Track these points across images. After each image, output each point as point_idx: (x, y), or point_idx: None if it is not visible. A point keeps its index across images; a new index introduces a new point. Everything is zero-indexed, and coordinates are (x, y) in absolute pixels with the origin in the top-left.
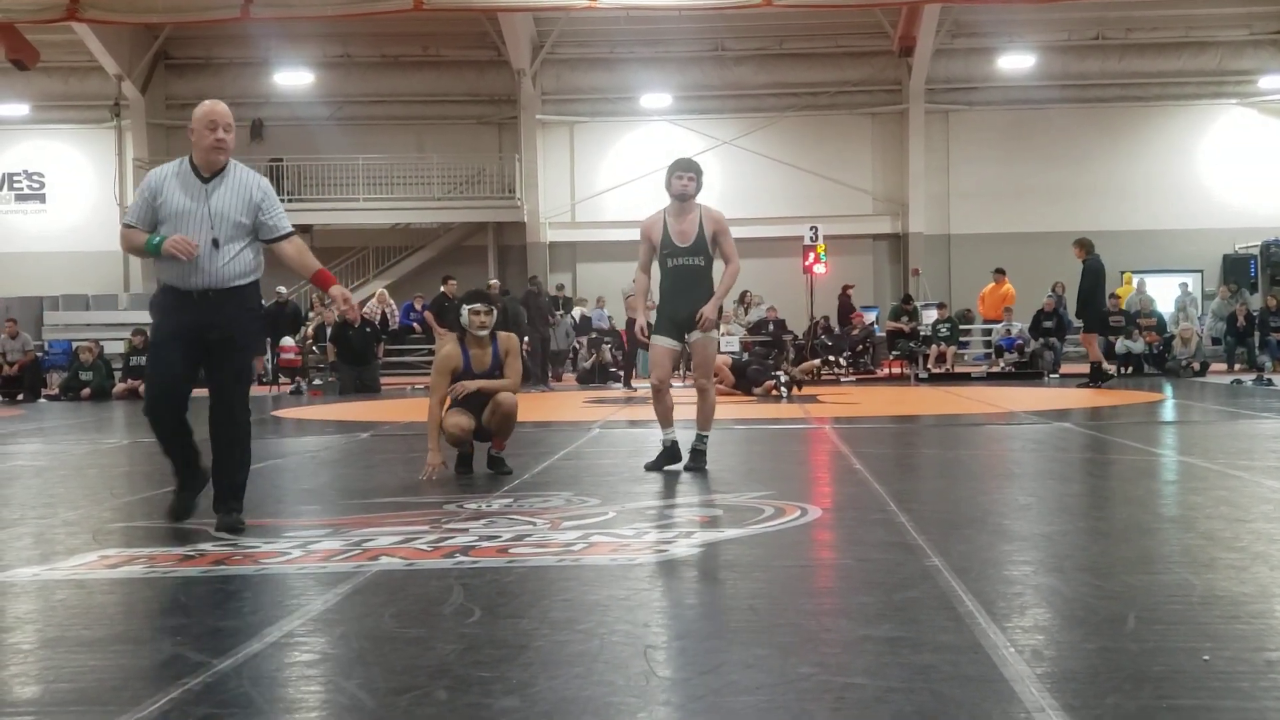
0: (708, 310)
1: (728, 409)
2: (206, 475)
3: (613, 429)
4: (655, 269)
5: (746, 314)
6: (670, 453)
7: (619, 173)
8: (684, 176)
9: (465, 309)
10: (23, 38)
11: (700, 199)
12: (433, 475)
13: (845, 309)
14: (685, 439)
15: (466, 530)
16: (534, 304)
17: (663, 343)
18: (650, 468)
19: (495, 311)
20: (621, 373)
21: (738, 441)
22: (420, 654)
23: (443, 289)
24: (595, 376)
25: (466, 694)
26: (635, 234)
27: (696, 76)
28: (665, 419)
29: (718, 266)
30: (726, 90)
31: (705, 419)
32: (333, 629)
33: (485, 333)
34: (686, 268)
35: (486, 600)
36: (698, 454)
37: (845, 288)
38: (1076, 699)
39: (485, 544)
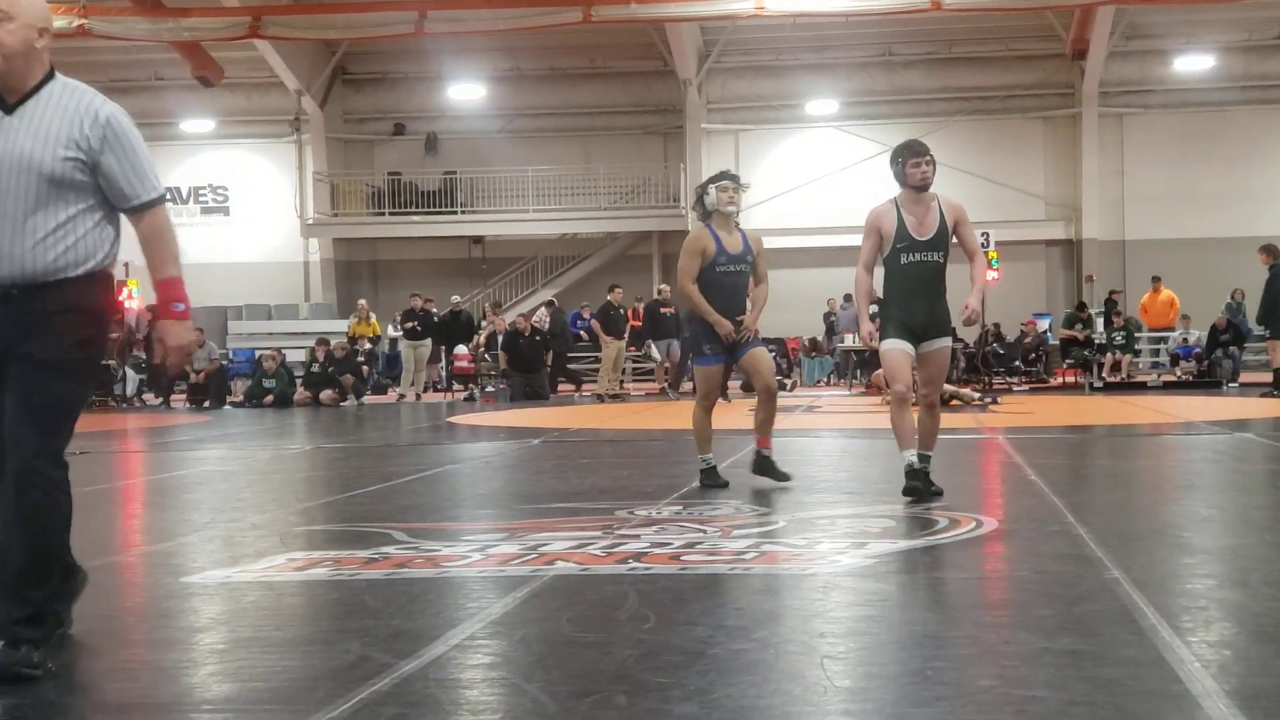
0: (972, 302)
1: None
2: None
3: (777, 437)
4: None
5: None
6: (917, 474)
7: (785, 179)
8: (920, 162)
9: (713, 187)
10: (208, 55)
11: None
12: (733, 335)
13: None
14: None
15: (638, 536)
16: (657, 313)
17: (900, 346)
18: (914, 495)
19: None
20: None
21: None
22: (599, 658)
23: (609, 298)
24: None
25: (645, 699)
26: (803, 241)
27: (864, 82)
28: (907, 437)
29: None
30: (894, 95)
31: (931, 437)
32: (512, 632)
33: (733, 209)
34: (925, 264)
35: (661, 607)
36: (923, 475)
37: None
38: (1267, 716)
39: (657, 550)
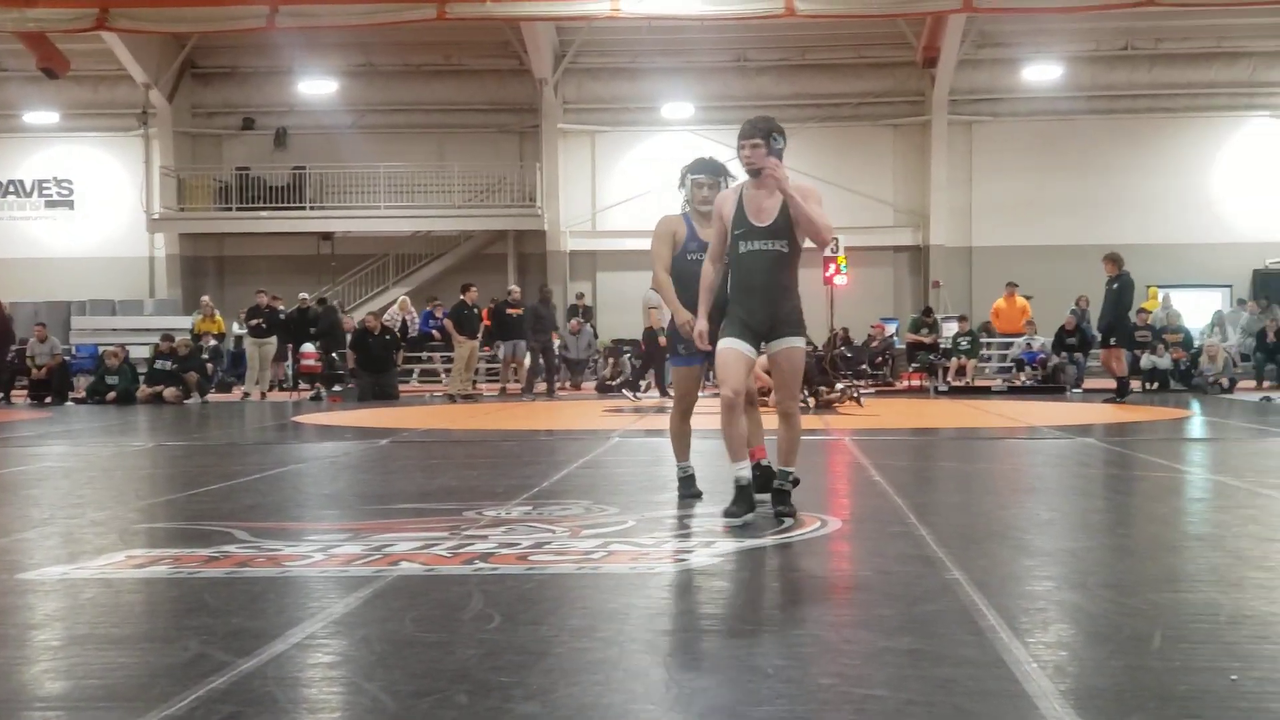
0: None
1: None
2: None
3: (632, 438)
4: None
5: None
6: (746, 493)
7: (640, 182)
8: (745, 145)
9: (689, 178)
10: (53, 47)
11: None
12: (694, 334)
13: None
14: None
15: (486, 537)
16: (542, 314)
17: (737, 346)
18: (733, 517)
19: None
20: (625, 383)
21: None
22: (441, 658)
23: (463, 297)
24: (615, 386)
25: (487, 699)
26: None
27: (718, 86)
28: (736, 448)
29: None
30: (748, 100)
31: (791, 451)
32: (354, 632)
33: (709, 209)
34: (763, 254)
35: (506, 607)
36: (783, 495)
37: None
38: (1101, 716)
39: (505, 551)
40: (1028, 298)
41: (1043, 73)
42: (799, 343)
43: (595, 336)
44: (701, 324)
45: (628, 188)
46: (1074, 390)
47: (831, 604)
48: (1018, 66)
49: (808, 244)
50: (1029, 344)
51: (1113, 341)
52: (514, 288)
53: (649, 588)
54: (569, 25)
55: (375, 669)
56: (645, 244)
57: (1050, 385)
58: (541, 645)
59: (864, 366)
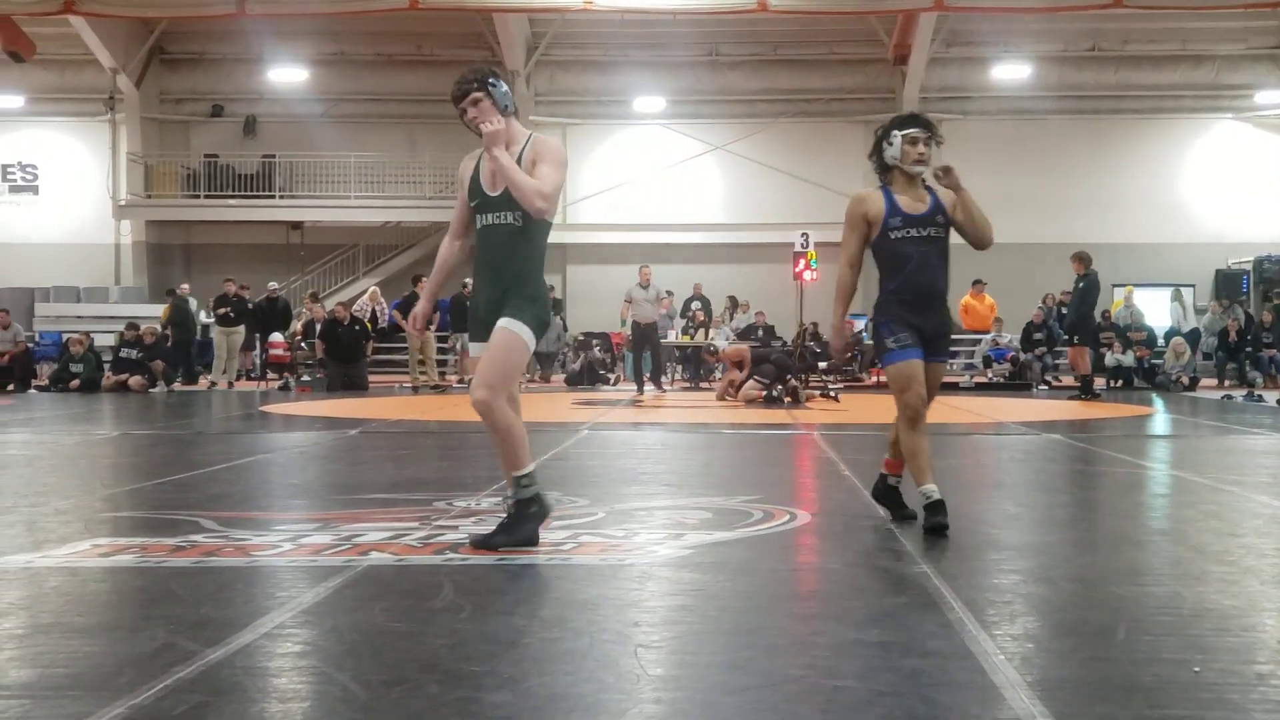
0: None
1: (721, 413)
2: None
3: (601, 430)
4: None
5: (731, 320)
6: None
7: (611, 175)
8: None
9: (897, 135)
10: (19, 30)
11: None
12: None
13: None
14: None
15: (456, 528)
16: (463, 304)
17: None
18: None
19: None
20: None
21: (726, 445)
22: (411, 648)
23: (414, 288)
24: (584, 378)
25: (457, 688)
26: (628, 237)
27: (690, 81)
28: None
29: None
30: (720, 95)
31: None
32: (323, 622)
33: (921, 170)
34: (497, 228)
35: (477, 597)
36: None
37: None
38: (1067, 707)
39: None
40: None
41: (1011, 72)
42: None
43: (565, 330)
44: (423, 306)
45: (598, 181)
46: (1040, 387)
47: (801, 596)
48: (987, 66)
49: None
50: (995, 340)
51: (1076, 340)
52: (468, 280)
53: (619, 579)
54: (542, 17)
55: (345, 659)
56: (616, 237)
57: (1017, 382)
58: (512, 635)
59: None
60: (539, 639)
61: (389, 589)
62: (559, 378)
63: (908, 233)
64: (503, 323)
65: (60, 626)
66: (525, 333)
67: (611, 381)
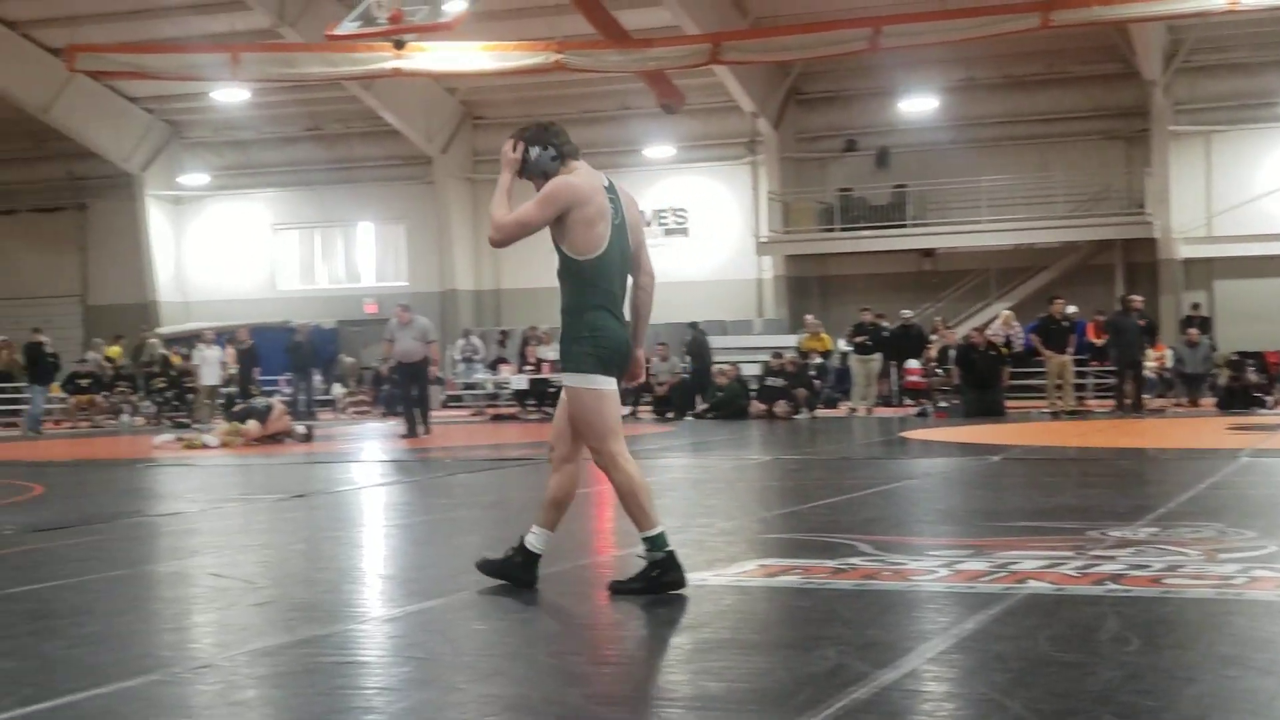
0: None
1: None
2: None
3: (1264, 457)
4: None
5: None
6: None
7: (1262, 183)
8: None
9: None
10: (670, 83)
11: None
12: None
13: None
14: None
15: (1113, 558)
16: (1124, 326)
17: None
18: None
19: None
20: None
21: None
22: (1081, 679)
23: (1050, 310)
24: (1237, 401)
25: None
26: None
27: None
28: None
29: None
30: None
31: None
32: (987, 648)
33: None
34: None
35: (1144, 630)
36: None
37: None
38: None
39: (1136, 573)
40: None
41: None
42: (568, 380)
43: (1214, 349)
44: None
45: (1249, 190)
46: None
47: None
48: None
49: None
50: None
51: None
52: (1135, 297)
53: None
54: (1180, 23)
55: (1014, 687)
56: (1268, 249)
57: None
58: (1187, 671)
59: None
60: (1217, 676)
61: (1051, 618)
62: (1208, 400)
63: None
64: (563, 381)
65: (737, 643)
66: (579, 381)
67: (1269, 405)
